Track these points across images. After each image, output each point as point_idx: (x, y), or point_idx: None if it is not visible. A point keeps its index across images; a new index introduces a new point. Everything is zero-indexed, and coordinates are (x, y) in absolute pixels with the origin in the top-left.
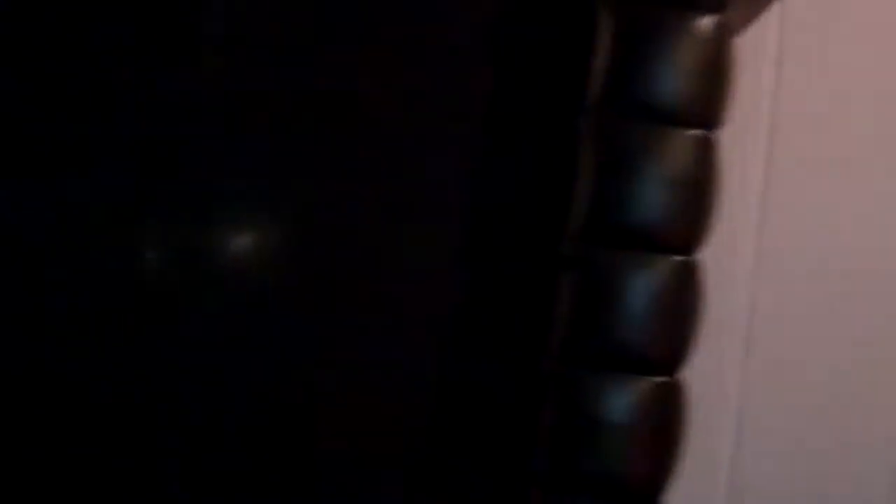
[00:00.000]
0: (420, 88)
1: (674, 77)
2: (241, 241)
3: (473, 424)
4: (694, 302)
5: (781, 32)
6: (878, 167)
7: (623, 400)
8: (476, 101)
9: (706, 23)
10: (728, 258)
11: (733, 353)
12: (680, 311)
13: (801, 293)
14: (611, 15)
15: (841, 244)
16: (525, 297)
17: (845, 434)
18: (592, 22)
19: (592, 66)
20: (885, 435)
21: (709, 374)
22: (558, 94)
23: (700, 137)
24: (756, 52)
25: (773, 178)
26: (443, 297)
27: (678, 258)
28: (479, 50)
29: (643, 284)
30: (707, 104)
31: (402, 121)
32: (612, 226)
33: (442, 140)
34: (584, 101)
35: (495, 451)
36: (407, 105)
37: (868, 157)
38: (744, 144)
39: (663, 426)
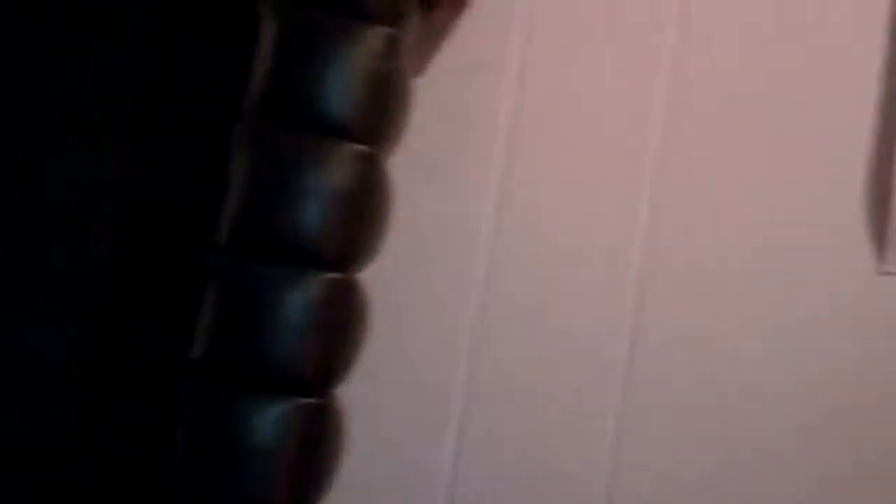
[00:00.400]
0: (75, 89)
1: (337, 88)
2: None
3: (110, 441)
4: (350, 320)
5: (525, 46)
6: (610, 177)
7: (267, 421)
8: (132, 107)
9: (377, 35)
10: (461, 267)
11: (459, 365)
12: (333, 329)
13: (530, 304)
14: (274, 20)
15: (570, 252)
16: (172, 308)
17: (565, 445)
18: (256, 27)
19: (252, 72)
20: (602, 445)
21: (434, 384)
22: (217, 101)
23: (363, 153)
24: (498, 64)
25: (509, 189)
26: (89, 303)
27: (333, 275)
28: (138, 54)
29: (292, 300)
30: (373, 119)
31: (55, 122)
32: (261, 238)
33: (97, 142)
34: (241, 108)
35: (133, 468)
36: (60, 109)
37: (600, 167)
38: (483, 153)
39: (310, 449)
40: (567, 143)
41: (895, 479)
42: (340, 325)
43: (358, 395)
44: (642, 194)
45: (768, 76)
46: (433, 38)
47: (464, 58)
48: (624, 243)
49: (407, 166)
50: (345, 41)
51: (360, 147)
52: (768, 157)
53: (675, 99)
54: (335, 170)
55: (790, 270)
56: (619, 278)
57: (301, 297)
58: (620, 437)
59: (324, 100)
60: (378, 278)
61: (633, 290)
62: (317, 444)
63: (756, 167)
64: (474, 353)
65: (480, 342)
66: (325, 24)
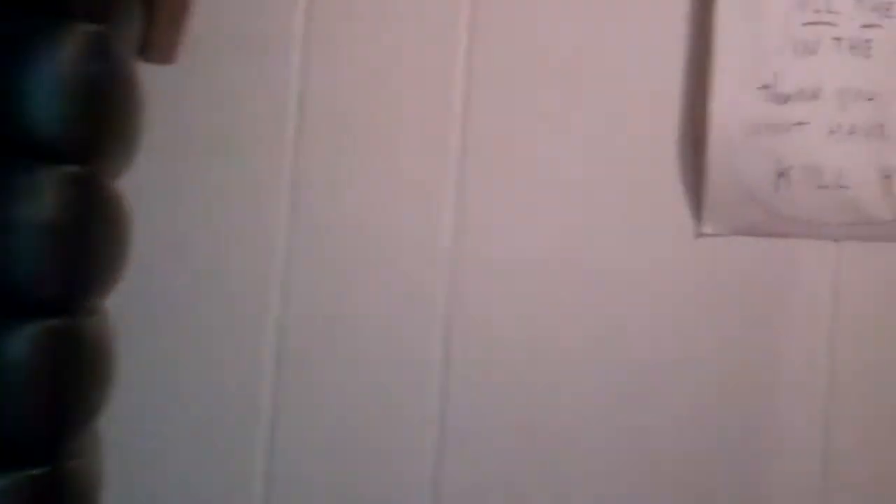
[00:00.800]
0: None
1: (34, 101)
2: None
3: None
4: (81, 368)
5: (307, 18)
6: (411, 154)
7: None
8: None
9: (80, 34)
10: (258, 261)
11: (264, 368)
12: (60, 382)
13: (334, 297)
14: None
15: (369, 242)
16: None
17: (384, 445)
18: None
19: None
20: (423, 442)
21: (238, 388)
22: None
23: (77, 174)
24: (280, 39)
25: (303, 174)
26: None
27: (53, 321)
28: None
29: (5, 356)
30: (85, 133)
31: None
32: None
33: None
34: None
35: None
36: None
37: (400, 145)
38: (272, 137)
39: None
40: (362, 120)
41: (721, 444)
42: (69, 378)
43: (159, 404)
44: (448, 171)
45: (575, 39)
46: (176, 20)
47: (244, 34)
48: (431, 225)
49: (192, 156)
50: (40, 44)
51: (72, 168)
52: (580, 125)
53: (477, 67)
54: (41, 198)
55: (610, 239)
56: (429, 263)
57: (16, 352)
58: (442, 431)
59: (18, 115)
60: (170, 279)
61: (444, 271)
62: None
63: (568, 137)
64: (279, 354)
65: (284, 342)
66: (14, 26)
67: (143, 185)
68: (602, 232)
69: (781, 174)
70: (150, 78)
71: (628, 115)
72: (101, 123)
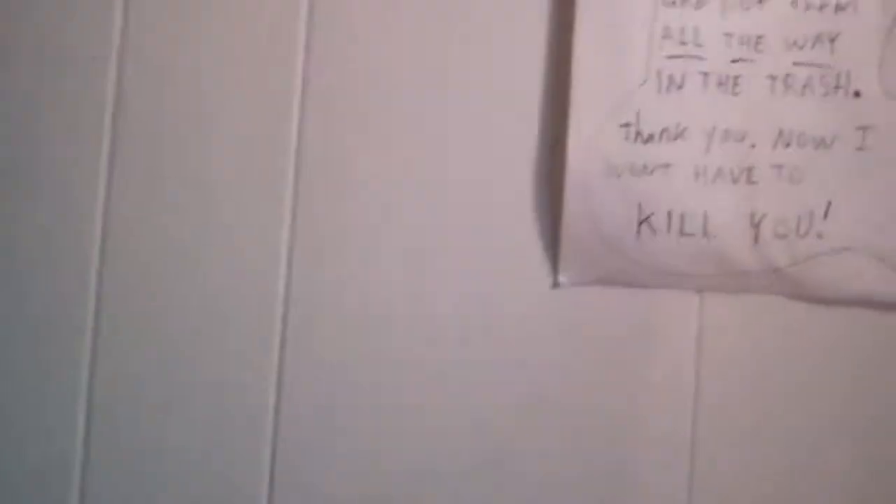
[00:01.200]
0: None
1: None
2: None
3: None
4: None
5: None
6: (242, 175)
7: None
8: None
9: None
10: (74, 275)
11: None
12: None
13: (149, 306)
14: None
15: (190, 245)
16: None
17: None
18: None
19: None
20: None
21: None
22: None
23: None
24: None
25: (114, 188)
26: None
27: None
28: None
29: None
30: None
31: None
32: None
33: None
34: None
35: None
36: None
37: (230, 161)
38: (85, 155)
39: None
40: (183, 133)
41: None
42: None
43: None
44: (283, 199)
45: (422, 67)
46: None
47: (59, 46)
48: (263, 253)
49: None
50: None
51: None
52: (426, 164)
53: (314, 89)
54: None
55: (458, 288)
56: (264, 289)
57: None
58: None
59: None
60: None
61: (277, 315)
62: None
63: (412, 176)
64: (92, 373)
65: (100, 357)
66: None
67: None
68: (450, 280)
69: (643, 220)
70: None
71: (478, 151)
72: None
